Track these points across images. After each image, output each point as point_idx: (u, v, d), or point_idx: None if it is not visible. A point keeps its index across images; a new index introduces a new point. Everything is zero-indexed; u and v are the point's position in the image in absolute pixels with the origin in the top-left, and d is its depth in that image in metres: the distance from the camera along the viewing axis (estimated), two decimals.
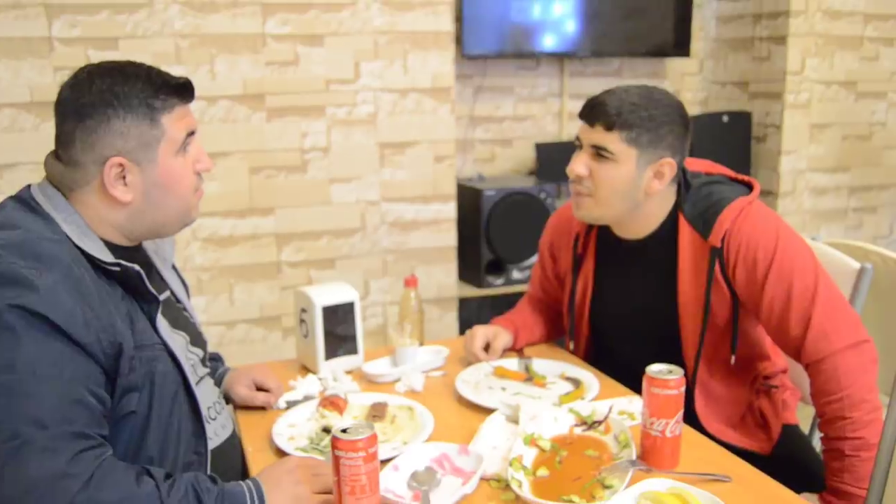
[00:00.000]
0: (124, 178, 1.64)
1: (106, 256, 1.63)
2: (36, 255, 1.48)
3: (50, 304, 1.44)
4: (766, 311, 2.06)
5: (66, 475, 1.39)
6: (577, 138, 2.18)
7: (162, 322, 1.73)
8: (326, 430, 1.93)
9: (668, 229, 2.20)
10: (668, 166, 2.10)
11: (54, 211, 1.62)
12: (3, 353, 1.41)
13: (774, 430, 2.25)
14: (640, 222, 2.22)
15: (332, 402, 2.05)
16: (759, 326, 2.19)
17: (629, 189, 2.11)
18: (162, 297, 1.78)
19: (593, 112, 2.12)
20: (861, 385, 1.95)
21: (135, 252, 1.78)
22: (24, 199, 1.64)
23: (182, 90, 1.70)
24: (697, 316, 2.15)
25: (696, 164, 2.26)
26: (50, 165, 1.68)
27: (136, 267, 1.65)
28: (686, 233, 2.15)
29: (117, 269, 1.63)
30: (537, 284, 2.63)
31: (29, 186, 1.68)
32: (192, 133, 1.73)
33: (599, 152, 2.10)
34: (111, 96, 1.61)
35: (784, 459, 2.18)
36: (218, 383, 2.12)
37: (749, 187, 2.18)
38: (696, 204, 2.16)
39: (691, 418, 2.09)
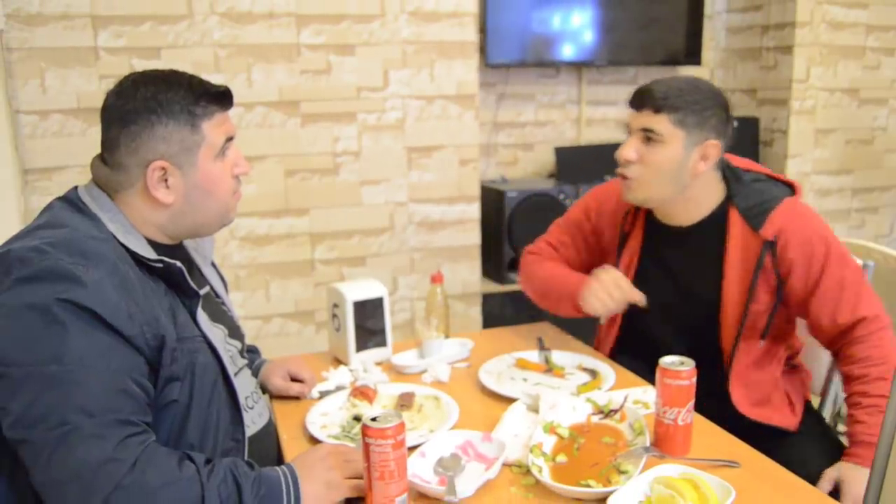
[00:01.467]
0: (166, 180, 1.64)
1: (149, 254, 1.63)
2: (82, 252, 1.48)
3: (96, 299, 1.45)
4: (819, 300, 2.11)
5: (113, 459, 1.39)
6: (627, 125, 2.18)
7: (202, 315, 1.73)
8: (357, 419, 1.93)
9: (717, 219, 2.19)
10: (714, 147, 2.11)
11: (100, 211, 1.63)
12: (52, 345, 1.41)
13: (798, 407, 2.27)
14: (688, 208, 2.22)
15: (363, 392, 2.04)
16: (793, 312, 2.22)
17: (677, 170, 2.11)
18: (202, 293, 1.79)
19: (641, 98, 2.13)
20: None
21: (176, 250, 1.78)
22: (71, 200, 1.65)
23: (221, 98, 1.70)
24: (740, 303, 2.16)
25: (738, 162, 2.27)
26: (96, 168, 1.68)
27: (178, 263, 1.66)
28: (737, 224, 2.16)
29: (160, 265, 1.63)
30: (559, 242, 2.55)
31: (76, 188, 1.68)
32: (230, 138, 1.72)
33: (648, 135, 2.10)
34: (154, 103, 1.61)
35: (810, 433, 2.21)
36: (255, 374, 2.12)
37: (791, 188, 2.21)
38: (747, 197, 2.17)
39: (724, 400, 2.14)
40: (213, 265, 2.04)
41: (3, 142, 3.19)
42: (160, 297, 1.63)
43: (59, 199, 1.67)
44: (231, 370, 1.77)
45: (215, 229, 1.80)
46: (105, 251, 1.52)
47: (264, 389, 2.15)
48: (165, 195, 1.65)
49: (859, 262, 2.39)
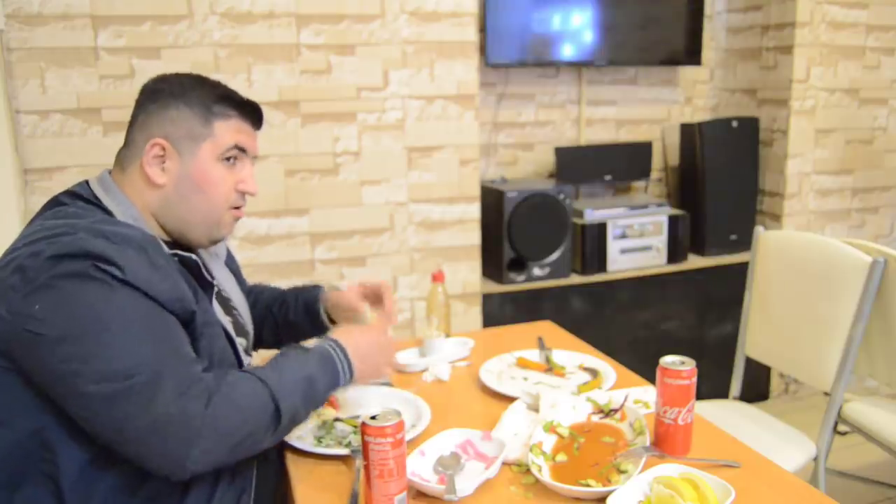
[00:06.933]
0: (164, 162, 1.69)
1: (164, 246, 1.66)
2: (106, 235, 1.50)
3: (131, 273, 1.46)
4: None
5: (201, 378, 1.50)
6: None
7: (216, 306, 1.78)
8: (327, 424, 1.96)
9: None
10: None
11: (112, 203, 1.66)
12: (106, 308, 1.44)
13: None
14: None
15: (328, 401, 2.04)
16: None
17: None
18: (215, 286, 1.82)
19: None
20: None
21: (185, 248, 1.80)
22: (82, 195, 1.67)
23: (243, 107, 1.78)
24: None
25: None
26: (119, 151, 1.75)
27: (193, 256, 1.70)
28: None
29: (175, 258, 1.66)
30: None
31: (86, 181, 1.71)
32: (243, 150, 1.77)
33: None
34: (179, 89, 1.70)
35: None
36: (312, 304, 2.23)
37: None
38: None
39: None
40: (230, 258, 2.14)
41: (3, 142, 3.18)
42: (186, 277, 1.66)
43: (66, 193, 1.69)
44: (244, 360, 1.82)
45: (203, 239, 1.81)
46: (132, 234, 1.54)
47: (331, 319, 2.21)
48: (158, 174, 1.69)
49: (868, 258, 2.41)
